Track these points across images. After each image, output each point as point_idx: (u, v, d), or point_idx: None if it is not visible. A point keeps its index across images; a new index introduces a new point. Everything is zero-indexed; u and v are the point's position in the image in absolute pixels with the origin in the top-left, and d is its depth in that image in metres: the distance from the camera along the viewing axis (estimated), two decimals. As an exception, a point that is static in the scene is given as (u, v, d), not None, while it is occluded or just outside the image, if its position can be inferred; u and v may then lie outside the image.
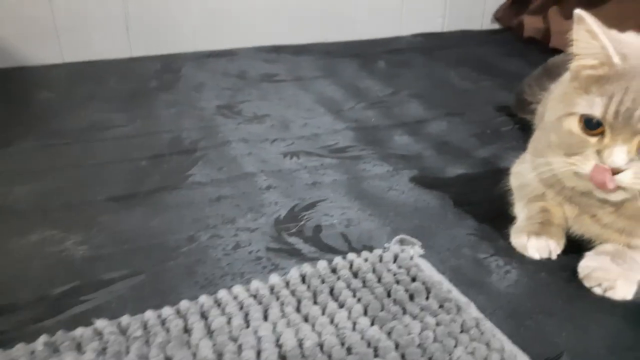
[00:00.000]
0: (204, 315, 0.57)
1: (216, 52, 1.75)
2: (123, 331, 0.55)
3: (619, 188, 0.61)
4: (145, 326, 0.56)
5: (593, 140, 0.62)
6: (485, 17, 2.08)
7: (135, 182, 0.93)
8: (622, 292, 0.66)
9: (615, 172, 0.60)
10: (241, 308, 0.58)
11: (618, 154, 0.59)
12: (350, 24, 1.91)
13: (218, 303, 0.59)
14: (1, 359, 0.51)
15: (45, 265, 0.70)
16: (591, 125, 0.62)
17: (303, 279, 0.63)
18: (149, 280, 0.67)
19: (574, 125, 0.64)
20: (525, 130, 1.10)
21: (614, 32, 0.65)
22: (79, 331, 0.55)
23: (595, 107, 0.61)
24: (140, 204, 0.86)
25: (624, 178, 0.60)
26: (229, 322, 0.56)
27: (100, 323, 0.55)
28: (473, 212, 0.85)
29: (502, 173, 0.88)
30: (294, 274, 0.63)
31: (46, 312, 0.61)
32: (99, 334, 0.54)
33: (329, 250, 0.74)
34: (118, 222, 0.80)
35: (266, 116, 1.26)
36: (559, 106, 0.67)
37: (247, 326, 0.56)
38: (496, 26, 2.09)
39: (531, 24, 1.85)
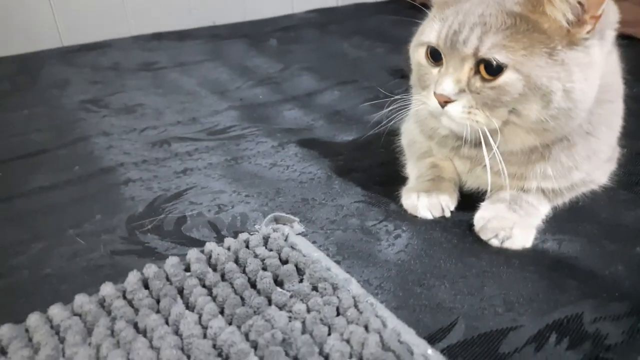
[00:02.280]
0: (3, 352, 0.43)
1: (86, 46, 1.55)
2: None
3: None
4: None
5: (435, 71, 0.57)
6: (379, -12, 2.03)
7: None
8: (521, 240, 0.59)
9: (446, 101, 0.55)
10: (57, 333, 0.44)
11: (446, 82, 0.54)
12: (239, 5, 1.78)
13: (26, 331, 0.45)
14: None
15: None
16: (436, 56, 0.56)
17: (145, 283, 0.50)
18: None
19: (421, 56, 0.58)
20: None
21: None
22: None
23: (432, 33, 0.55)
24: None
25: (452, 110, 0.55)
26: (35, 354, 0.42)
27: None
28: (362, 178, 0.76)
29: (395, 134, 0.80)
30: (132, 278, 0.50)
31: None
32: None
33: (192, 244, 0.61)
34: None
35: (138, 106, 1.10)
36: (415, 37, 0.61)
37: (62, 355, 0.42)
38: (390, -4, 2.04)
39: (422, -10, 1.82)
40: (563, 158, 0.60)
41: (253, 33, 1.64)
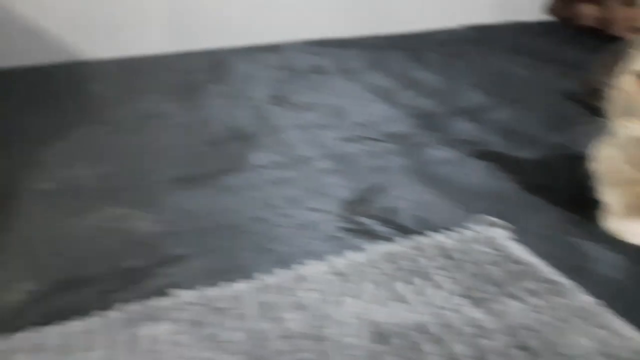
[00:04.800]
0: (288, 290, 0.54)
1: (262, 46, 1.74)
2: (204, 303, 0.52)
3: None
4: (226, 299, 0.53)
5: None
6: (536, 8, 2.01)
7: (196, 166, 0.91)
8: None
9: None
10: (326, 284, 0.54)
11: None
12: (397, 17, 1.87)
13: (302, 278, 0.56)
14: (84, 325, 0.49)
15: (117, 240, 0.68)
16: None
17: (387, 257, 0.59)
18: (221, 256, 0.64)
19: (630, 84, 0.61)
20: (600, 116, 1.04)
21: None
22: (159, 301, 0.52)
23: None
24: (203, 185, 0.84)
25: None
26: (316, 297, 0.52)
27: (179, 293, 0.53)
28: (554, 197, 0.79)
29: (580, 158, 0.82)
30: (377, 251, 0.59)
31: (121, 284, 0.59)
32: (179, 304, 0.52)
33: (405, 231, 0.69)
34: (183, 202, 0.78)
35: (319, 105, 1.23)
36: (621, 66, 0.63)
37: (337, 302, 0.52)
38: (547, 18, 2.01)
39: (588, 13, 1.77)
40: None
41: (410, 45, 1.72)
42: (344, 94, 1.32)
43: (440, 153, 0.95)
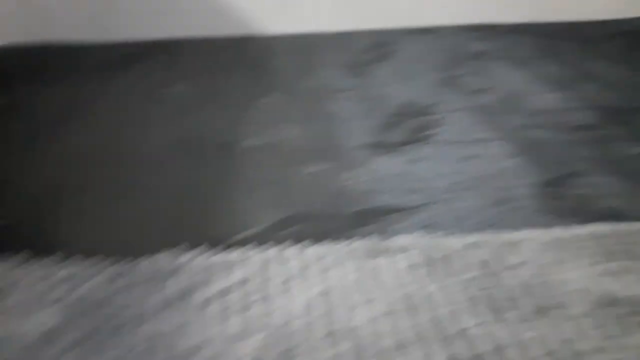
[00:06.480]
0: (498, 252, 0.60)
1: (423, 29, 1.76)
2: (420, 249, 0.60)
3: None
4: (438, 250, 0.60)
5: None
6: None
7: (382, 136, 1.00)
8: None
9: None
10: (536, 253, 0.59)
11: None
12: (572, 4, 1.76)
13: (512, 245, 0.61)
14: (342, 248, 0.60)
15: (328, 190, 0.81)
16: None
17: (594, 236, 0.61)
18: (422, 218, 0.73)
19: None
20: None
21: None
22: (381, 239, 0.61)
23: None
24: (393, 153, 0.93)
25: None
26: (527, 263, 0.58)
27: (396, 238, 0.62)
28: None
29: None
30: (583, 231, 0.62)
31: (339, 225, 0.71)
32: (397, 246, 0.61)
33: (600, 218, 0.70)
34: (378, 166, 0.88)
35: (489, 89, 1.24)
36: None
37: (550, 270, 0.57)
38: None
39: None
40: None
41: (587, 35, 1.63)
42: (514, 80, 1.31)
43: (631, 147, 0.92)
